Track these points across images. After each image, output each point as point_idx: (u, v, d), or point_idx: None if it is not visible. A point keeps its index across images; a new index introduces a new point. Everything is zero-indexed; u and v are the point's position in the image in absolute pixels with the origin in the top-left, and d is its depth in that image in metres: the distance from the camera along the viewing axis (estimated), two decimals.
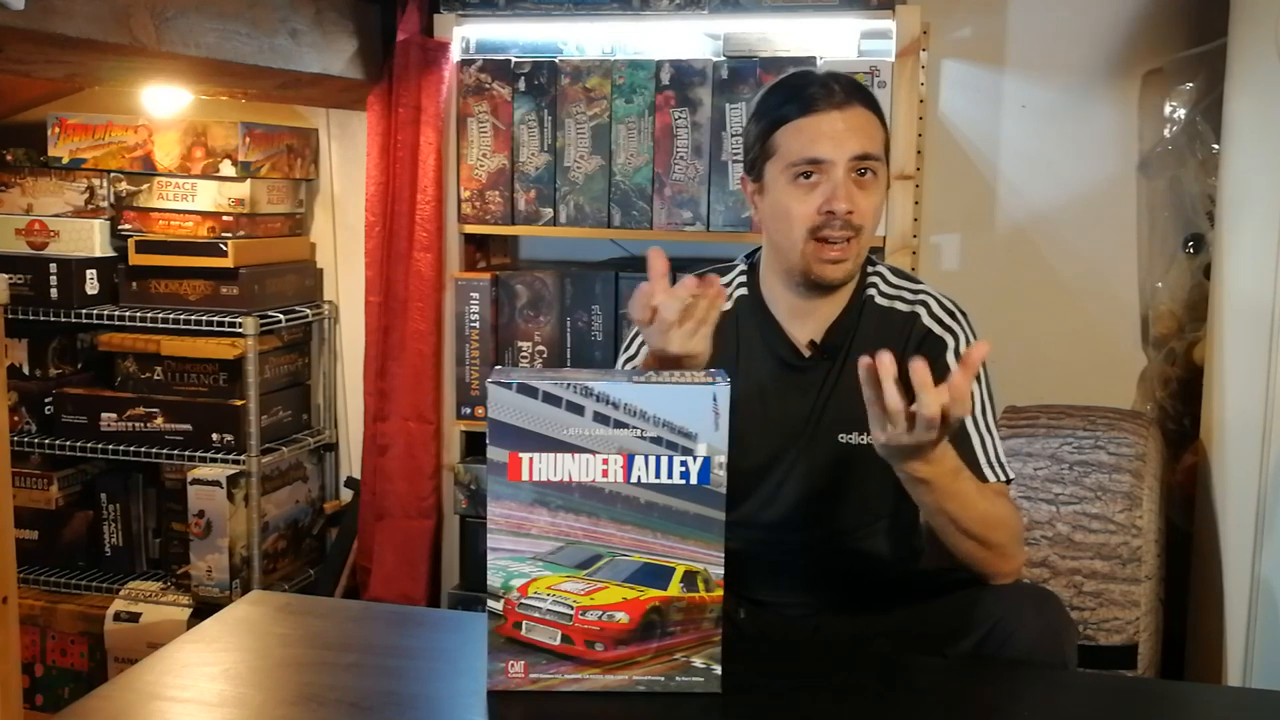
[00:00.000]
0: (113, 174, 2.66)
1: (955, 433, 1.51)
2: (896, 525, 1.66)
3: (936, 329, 1.58)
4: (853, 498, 1.60)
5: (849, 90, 1.54)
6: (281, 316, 2.66)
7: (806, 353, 1.60)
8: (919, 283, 1.65)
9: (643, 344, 1.67)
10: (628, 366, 1.67)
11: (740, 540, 1.33)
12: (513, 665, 1.25)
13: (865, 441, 1.57)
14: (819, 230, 1.51)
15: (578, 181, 2.44)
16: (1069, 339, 2.57)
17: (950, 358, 1.55)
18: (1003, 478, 1.54)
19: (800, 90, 1.54)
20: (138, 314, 2.60)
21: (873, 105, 1.56)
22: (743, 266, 1.69)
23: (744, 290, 1.67)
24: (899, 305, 1.61)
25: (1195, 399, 2.37)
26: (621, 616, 1.23)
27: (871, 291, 1.63)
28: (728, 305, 1.67)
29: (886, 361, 1.27)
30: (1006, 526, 1.48)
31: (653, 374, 1.27)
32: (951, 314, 1.60)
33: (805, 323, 1.61)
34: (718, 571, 1.24)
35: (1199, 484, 2.31)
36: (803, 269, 1.55)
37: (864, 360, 1.28)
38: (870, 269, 1.65)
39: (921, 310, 1.60)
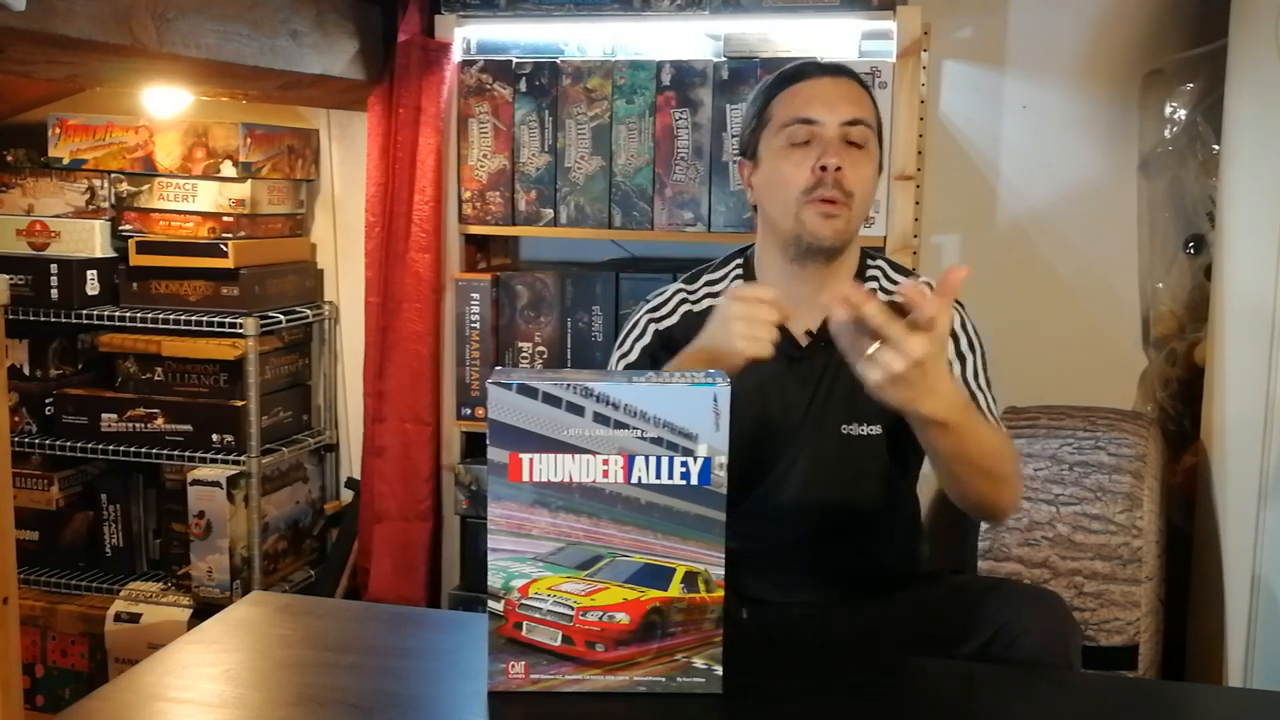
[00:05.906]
0: (113, 175, 2.66)
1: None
2: (898, 523, 1.66)
3: None
4: (855, 491, 1.60)
5: (840, 68, 1.62)
6: (282, 317, 2.66)
7: (803, 342, 1.61)
8: (918, 276, 1.68)
9: (637, 340, 1.68)
10: (621, 366, 1.67)
11: (742, 537, 1.32)
12: (513, 666, 1.25)
13: (867, 433, 1.58)
14: (812, 191, 1.53)
15: (578, 182, 2.44)
16: (1069, 339, 2.57)
17: (949, 346, 1.58)
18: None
19: (795, 67, 1.62)
20: (138, 315, 2.61)
21: (864, 85, 1.62)
22: (738, 261, 1.71)
23: (740, 283, 1.68)
24: (899, 299, 1.61)
25: (1196, 399, 2.37)
26: (622, 617, 1.23)
27: (873, 285, 1.64)
28: (721, 300, 1.68)
29: (853, 298, 1.25)
30: (1011, 455, 1.50)
31: (653, 374, 1.27)
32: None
33: (801, 312, 1.61)
34: (718, 572, 1.23)
35: (1199, 484, 2.31)
36: (797, 234, 1.56)
37: (839, 294, 1.27)
38: (871, 262, 1.68)
39: None
